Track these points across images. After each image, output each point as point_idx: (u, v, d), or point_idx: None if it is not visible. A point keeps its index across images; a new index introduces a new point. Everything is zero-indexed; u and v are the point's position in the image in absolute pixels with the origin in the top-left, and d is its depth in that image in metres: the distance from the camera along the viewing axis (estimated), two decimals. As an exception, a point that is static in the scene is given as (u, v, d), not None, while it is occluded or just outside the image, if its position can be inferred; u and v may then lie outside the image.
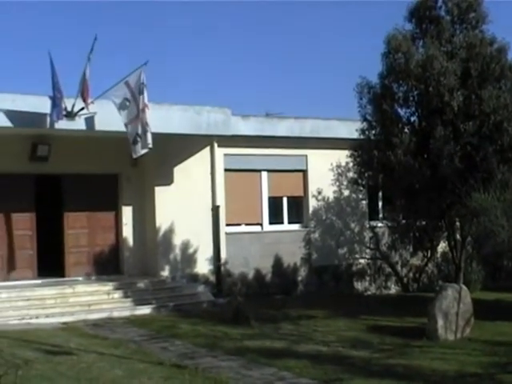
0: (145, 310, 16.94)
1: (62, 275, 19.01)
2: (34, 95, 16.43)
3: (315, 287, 21.23)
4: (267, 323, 15.22)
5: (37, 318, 15.62)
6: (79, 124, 16.71)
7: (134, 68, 16.30)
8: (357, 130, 17.79)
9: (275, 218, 21.34)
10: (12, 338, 12.72)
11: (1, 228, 18.44)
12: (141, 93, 16.01)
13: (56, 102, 16.03)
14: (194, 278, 19.57)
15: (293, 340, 13.56)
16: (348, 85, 24.53)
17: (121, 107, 16.38)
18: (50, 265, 18.97)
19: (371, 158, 17.11)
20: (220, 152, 20.08)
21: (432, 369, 11.02)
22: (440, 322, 13.59)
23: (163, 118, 17.36)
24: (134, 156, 16.73)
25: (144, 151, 16.22)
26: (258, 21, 49.60)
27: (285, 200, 21.59)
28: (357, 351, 12.47)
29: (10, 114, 15.90)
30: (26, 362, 7.82)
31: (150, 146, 16.00)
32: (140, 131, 16.04)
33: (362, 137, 17.71)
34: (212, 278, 19.87)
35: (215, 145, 19.93)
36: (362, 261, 22.26)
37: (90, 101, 16.42)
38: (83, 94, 16.36)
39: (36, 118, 16.21)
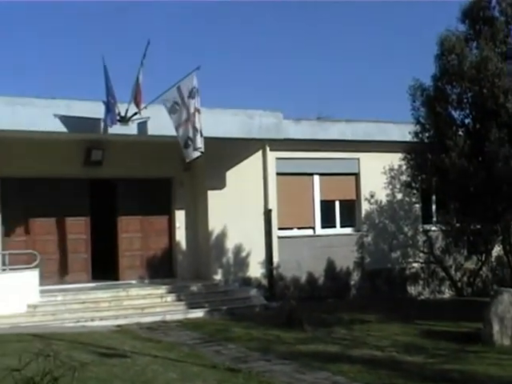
0: (198, 314, 17.00)
1: (116, 278, 19.24)
2: (88, 101, 16.65)
3: (368, 291, 21.10)
4: (320, 327, 15.17)
5: (92, 320, 15.81)
6: (132, 129, 16.88)
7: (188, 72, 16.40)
8: (410, 133, 17.66)
9: (327, 221, 21.27)
10: (68, 340, 12.86)
11: (55, 232, 18.74)
12: (192, 97, 16.05)
13: (110, 107, 16.19)
14: (247, 282, 19.61)
15: (346, 344, 13.48)
16: (401, 87, 24.38)
17: (171, 111, 16.44)
18: (104, 268, 19.21)
19: (425, 161, 16.97)
20: (272, 156, 20.09)
21: (488, 375, 10.84)
22: (496, 327, 13.37)
23: (215, 123, 17.43)
24: (187, 160, 16.78)
25: (196, 155, 16.22)
26: (305, 23, 49.59)
27: (337, 203, 21.50)
28: (411, 356, 12.34)
29: (65, 120, 16.14)
30: (81, 365, 7.88)
31: (202, 149, 16.02)
32: (191, 135, 16.08)
33: (415, 139, 17.58)
34: (264, 282, 19.89)
35: (267, 149, 19.96)
36: (415, 265, 22.04)
37: (142, 106, 16.57)
38: (136, 99, 16.51)
39: (90, 124, 16.44)
